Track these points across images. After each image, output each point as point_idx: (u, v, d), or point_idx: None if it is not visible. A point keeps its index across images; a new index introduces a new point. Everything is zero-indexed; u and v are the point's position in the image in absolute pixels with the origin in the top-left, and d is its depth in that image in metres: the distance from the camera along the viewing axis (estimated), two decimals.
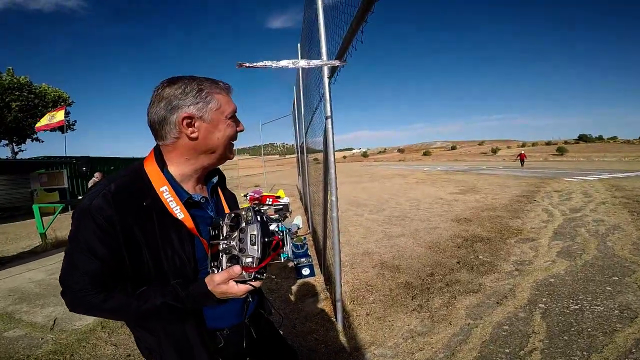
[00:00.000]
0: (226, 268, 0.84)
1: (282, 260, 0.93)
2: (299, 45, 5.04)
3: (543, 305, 2.87)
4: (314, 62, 1.90)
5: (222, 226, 0.90)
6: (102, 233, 0.81)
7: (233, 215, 0.91)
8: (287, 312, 2.96)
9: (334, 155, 2.63)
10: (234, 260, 0.84)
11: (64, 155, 15.32)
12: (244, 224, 0.86)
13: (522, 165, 28.95)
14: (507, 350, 2.26)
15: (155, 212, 0.88)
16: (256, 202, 7.87)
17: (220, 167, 1.11)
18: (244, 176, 25.18)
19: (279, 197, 8.40)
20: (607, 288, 3.15)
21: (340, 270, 2.67)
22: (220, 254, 0.87)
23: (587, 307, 2.81)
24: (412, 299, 3.14)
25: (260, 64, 1.48)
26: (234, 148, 1.03)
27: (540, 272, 3.62)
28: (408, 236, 5.53)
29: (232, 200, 1.18)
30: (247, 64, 1.46)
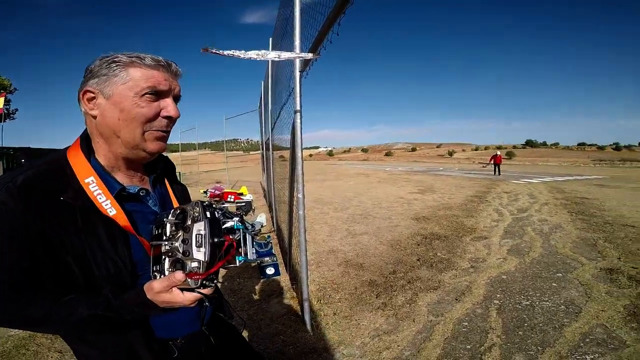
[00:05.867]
0: (168, 274, 0.73)
1: (238, 264, 0.79)
2: (270, 39, 4.89)
3: (497, 302, 3.03)
4: (286, 55, 1.81)
5: (166, 224, 0.77)
6: (9, 230, 0.68)
7: (178, 211, 0.78)
8: (252, 314, 2.86)
9: (302, 151, 2.56)
10: (177, 264, 0.72)
11: (0, 145, 13.80)
12: (189, 222, 0.73)
13: (496, 172, 19.13)
14: (468, 347, 2.34)
15: (78, 209, 0.74)
16: (217, 199, 7.56)
17: (177, 162, 0.97)
18: (204, 172, 24.26)
19: (241, 194, 8.13)
20: (553, 284, 3.39)
21: (307, 269, 2.62)
22: (163, 257, 0.75)
23: (537, 302, 3.00)
24: (377, 297, 3.18)
25: (227, 52, 1.40)
26: (160, 140, 0.84)
27: (494, 269, 3.83)
28: (371, 234, 5.62)
29: (182, 193, 1.05)
30: (214, 50, 1.36)
